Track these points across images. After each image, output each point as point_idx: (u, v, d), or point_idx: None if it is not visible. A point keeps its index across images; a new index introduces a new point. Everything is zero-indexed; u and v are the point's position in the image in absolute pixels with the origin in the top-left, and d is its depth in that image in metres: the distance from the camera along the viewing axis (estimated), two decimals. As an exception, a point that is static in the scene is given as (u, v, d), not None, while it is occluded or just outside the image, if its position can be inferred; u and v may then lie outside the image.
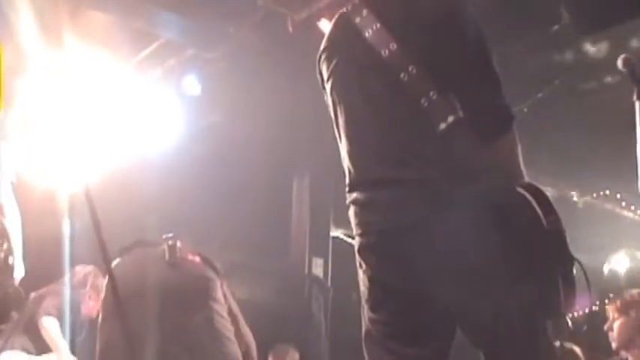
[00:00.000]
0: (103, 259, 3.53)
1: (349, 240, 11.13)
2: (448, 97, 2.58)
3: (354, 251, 2.85)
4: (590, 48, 7.10)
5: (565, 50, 7.27)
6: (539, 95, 7.34)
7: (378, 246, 2.71)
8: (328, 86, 2.94)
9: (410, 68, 2.63)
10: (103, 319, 4.44)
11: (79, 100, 6.22)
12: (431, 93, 2.59)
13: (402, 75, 2.64)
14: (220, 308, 4.42)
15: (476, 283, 2.56)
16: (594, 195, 11.08)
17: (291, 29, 6.73)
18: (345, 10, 2.91)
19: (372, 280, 2.78)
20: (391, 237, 2.66)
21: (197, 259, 4.56)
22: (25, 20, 5.27)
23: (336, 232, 10.46)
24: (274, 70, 7.36)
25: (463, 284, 2.58)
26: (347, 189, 2.84)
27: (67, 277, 6.55)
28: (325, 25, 6.53)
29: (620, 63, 2.99)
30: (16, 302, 5.42)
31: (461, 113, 2.56)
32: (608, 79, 7.40)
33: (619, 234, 11.05)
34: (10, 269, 5.27)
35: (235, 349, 4.37)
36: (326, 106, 3.03)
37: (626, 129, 3.14)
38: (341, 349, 8.43)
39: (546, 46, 6.79)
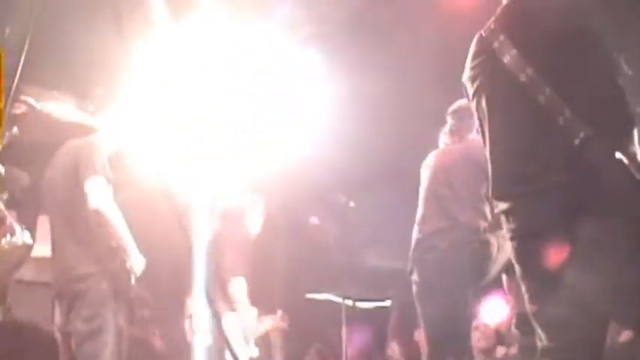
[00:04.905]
0: None
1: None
2: (580, 116, 2.88)
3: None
4: None
5: None
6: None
7: (518, 251, 3.13)
8: (473, 104, 3.31)
9: (546, 91, 2.94)
10: None
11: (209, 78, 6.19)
12: (566, 112, 2.89)
13: (539, 97, 2.95)
14: None
15: None
16: None
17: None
18: (482, 33, 3.25)
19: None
20: (530, 241, 3.06)
21: None
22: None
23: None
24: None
25: None
26: (491, 194, 3.24)
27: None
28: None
29: None
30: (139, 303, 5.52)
31: (589, 130, 2.85)
32: None
33: None
34: (128, 275, 5.36)
35: None
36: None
37: None
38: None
39: None
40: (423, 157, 5.88)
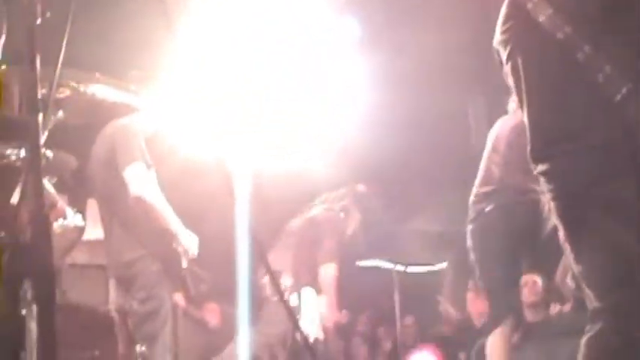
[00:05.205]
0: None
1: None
2: (620, 71, 2.85)
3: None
4: None
5: None
6: None
7: (559, 212, 3.08)
8: (508, 67, 3.23)
9: (586, 48, 2.90)
10: None
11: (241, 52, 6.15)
12: (606, 68, 2.86)
13: (578, 55, 2.91)
14: None
15: None
16: None
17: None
18: None
19: None
20: (571, 201, 3.04)
21: None
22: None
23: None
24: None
25: None
26: (530, 156, 3.17)
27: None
28: None
29: None
30: (194, 282, 5.52)
31: (631, 85, 2.83)
32: None
33: None
34: (178, 256, 5.35)
35: None
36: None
37: None
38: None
39: None
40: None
